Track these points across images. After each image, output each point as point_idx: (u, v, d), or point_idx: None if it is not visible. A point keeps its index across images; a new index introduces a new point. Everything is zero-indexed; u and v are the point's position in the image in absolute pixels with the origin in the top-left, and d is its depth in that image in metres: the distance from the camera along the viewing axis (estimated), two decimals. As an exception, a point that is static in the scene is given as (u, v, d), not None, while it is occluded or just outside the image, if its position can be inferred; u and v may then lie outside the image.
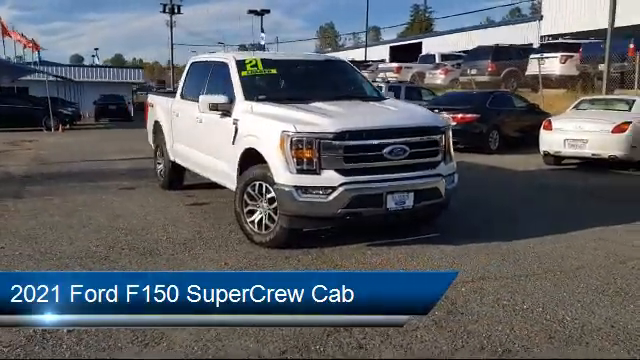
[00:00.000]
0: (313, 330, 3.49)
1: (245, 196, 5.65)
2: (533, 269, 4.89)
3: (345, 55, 39.14)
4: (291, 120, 5.27)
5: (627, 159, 10.28)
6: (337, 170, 5.07)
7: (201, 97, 6.13)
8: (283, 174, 5.14)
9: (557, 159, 11.27)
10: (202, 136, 6.85)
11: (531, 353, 3.37)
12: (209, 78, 6.94)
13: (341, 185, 5.03)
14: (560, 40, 21.30)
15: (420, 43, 47.78)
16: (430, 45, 44.68)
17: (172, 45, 52.48)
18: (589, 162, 10.92)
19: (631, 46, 16.06)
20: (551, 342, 3.51)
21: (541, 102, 16.48)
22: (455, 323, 3.75)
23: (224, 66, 6.62)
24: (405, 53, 42.55)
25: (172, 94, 9.09)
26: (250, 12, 39.34)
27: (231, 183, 6.14)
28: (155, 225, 6.45)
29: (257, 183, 5.54)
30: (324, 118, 5.26)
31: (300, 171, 5.09)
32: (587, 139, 10.38)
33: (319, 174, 5.07)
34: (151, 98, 9.27)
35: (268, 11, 39.40)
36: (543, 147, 11.21)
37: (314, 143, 5.04)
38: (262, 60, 6.54)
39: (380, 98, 6.64)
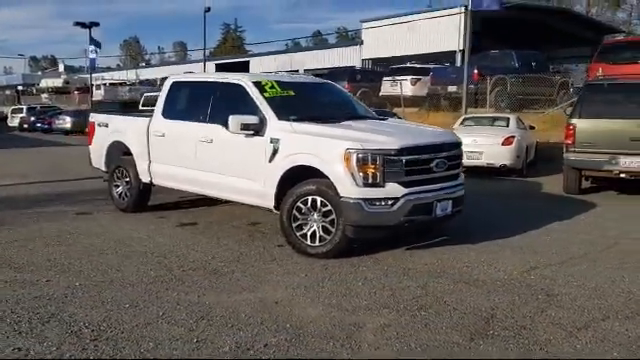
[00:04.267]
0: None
1: (295, 211, 5.97)
2: (559, 258, 6.00)
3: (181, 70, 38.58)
4: (351, 138, 5.75)
5: (513, 167, 12.29)
6: (399, 182, 5.68)
7: (232, 117, 6.26)
8: (350, 188, 5.60)
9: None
10: (211, 156, 6.88)
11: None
12: (213, 99, 7.02)
13: (403, 196, 5.66)
14: (409, 64, 23.82)
15: (247, 62, 49.01)
16: (256, 65, 46.19)
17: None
18: (475, 170, 12.72)
19: (475, 72, 18.78)
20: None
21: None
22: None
23: (236, 87, 6.80)
24: (231, 72, 43.25)
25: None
26: (77, 24, 36.62)
27: (264, 200, 6.38)
28: (176, 246, 6.38)
29: (310, 198, 5.90)
30: (383, 136, 5.84)
31: (366, 184, 5.60)
32: (482, 151, 12.17)
33: (384, 187, 5.64)
34: (104, 117, 8.78)
35: (97, 24, 37.09)
36: (442, 159, 12.77)
37: (378, 159, 5.59)
38: (277, 82, 6.86)
39: (383, 118, 7.39)
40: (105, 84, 47.37)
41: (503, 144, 12.18)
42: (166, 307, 4.49)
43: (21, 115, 35.09)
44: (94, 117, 9.03)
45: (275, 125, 6.27)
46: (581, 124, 9.36)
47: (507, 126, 13.01)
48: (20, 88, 54.02)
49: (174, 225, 7.47)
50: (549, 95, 19.39)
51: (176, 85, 7.71)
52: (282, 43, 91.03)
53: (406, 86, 21.59)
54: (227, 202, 7.55)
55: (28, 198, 9.45)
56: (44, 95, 49.55)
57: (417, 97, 21.53)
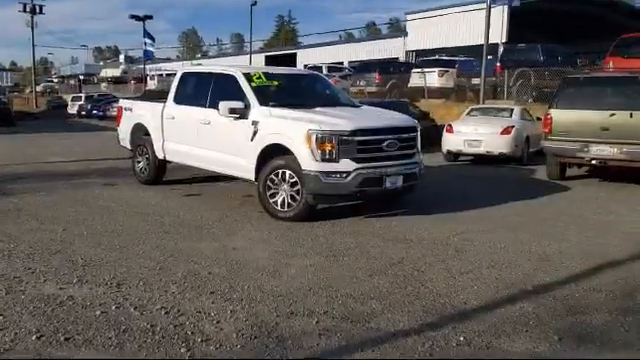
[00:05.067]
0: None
1: (268, 182, 7.14)
2: (492, 227, 6.93)
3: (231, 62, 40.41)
4: (314, 121, 6.87)
5: (512, 155, 13.04)
6: (352, 159, 6.76)
7: (222, 103, 7.47)
8: (310, 162, 6.72)
9: (456, 156, 13.80)
10: (209, 136, 8.12)
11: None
12: (212, 87, 8.25)
13: (355, 170, 6.73)
14: (437, 57, 24.54)
15: (295, 54, 50.42)
16: (304, 56, 47.51)
17: (34, 48, 50.17)
18: (480, 158, 13.54)
19: (498, 64, 19.39)
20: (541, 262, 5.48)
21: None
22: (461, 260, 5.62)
23: (230, 77, 8.01)
24: (280, 63, 44.75)
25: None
26: (132, 17, 39.00)
27: (246, 173, 7.58)
28: (176, 209, 7.66)
29: (280, 171, 7.06)
30: (340, 120, 6.93)
31: (324, 160, 6.70)
32: (482, 140, 12.98)
33: (338, 162, 6.73)
34: (129, 102, 10.24)
35: (151, 17, 39.32)
36: (446, 147, 13.69)
37: (334, 139, 6.68)
38: (264, 73, 8.03)
39: (358, 105, 8.46)
40: (161, 74, 49.82)
41: (502, 133, 12.94)
42: (146, 248, 5.76)
43: (79, 103, 37.72)
44: (121, 102, 10.47)
45: (257, 110, 7.44)
46: (557, 114, 10.09)
47: (510, 117, 13.73)
48: (82, 77, 57.28)
49: (181, 195, 8.78)
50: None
51: (185, 75, 9.01)
52: (335, 35, 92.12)
53: (433, 78, 22.35)
54: (231, 179, 8.77)
55: (67, 172, 11.00)
56: (103, 84, 52.48)
57: (444, 89, 22.26)
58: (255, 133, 7.34)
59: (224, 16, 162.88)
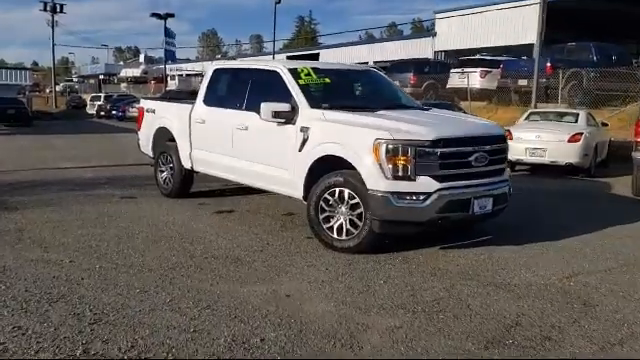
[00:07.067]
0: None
1: (322, 202, 5.74)
2: (608, 264, 5.46)
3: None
4: (383, 127, 5.45)
5: (580, 166, 11.49)
6: (432, 176, 5.32)
7: (264, 105, 6.10)
8: (378, 180, 5.31)
9: (512, 165, 12.26)
10: (246, 143, 6.77)
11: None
12: (250, 86, 6.89)
13: (437, 191, 5.30)
14: (479, 56, 22.97)
15: (317, 54, 49.03)
16: (327, 56, 46.08)
17: (53, 46, 49.46)
18: (540, 168, 12.00)
19: (548, 64, 17.80)
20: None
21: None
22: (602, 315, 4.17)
23: (272, 74, 6.63)
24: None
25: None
26: (153, 15, 37.96)
27: (292, 190, 6.20)
28: (207, 233, 6.32)
29: (337, 189, 5.65)
30: (416, 126, 5.50)
31: (396, 177, 5.28)
32: (546, 148, 11.45)
33: (414, 180, 5.30)
34: (151, 103, 8.90)
35: (172, 15, 38.24)
36: (504, 155, 12.14)
37: (410, 150, 5.26)
38: (314, 69, 6.64)
39: (426, 108, 7.02)
40: (181, 75, 48.86)
41: (569, 141, 11.41)
42: (175, 294, 4.39)
43: (99, 103, 36.77)
44: (143, 103, 9.15)
45: (307, 113, 6.06)
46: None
47: (576, 122, 12.19)
48: (102, 77, 56.55)
49: (211, 212, 7.43)
50: (632, 91, 18.05)
51: (218, 72, 7.65)
52: (355, 35, 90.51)
53: (474, 78, 20.84)
54: (267, 192, 7.43)
55: (81, 181, 9.74)
56: (123, 84, 51.65)
57: (486, 90, 20.74)
58: (305, 141, 5.96)
59: (244, 17, 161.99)
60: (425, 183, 5.30)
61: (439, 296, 4.48)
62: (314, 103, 6.13)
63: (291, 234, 6.34)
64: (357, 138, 5.51)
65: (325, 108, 6.04)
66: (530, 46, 29.66)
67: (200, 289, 4.51)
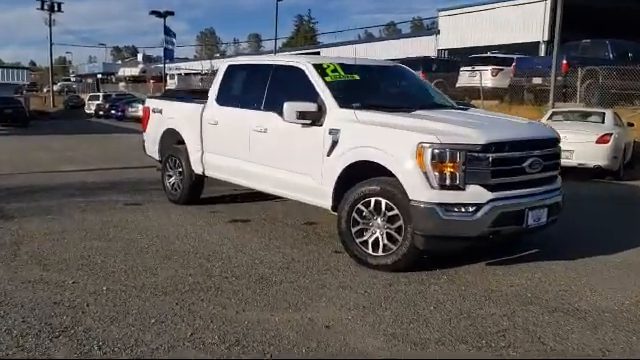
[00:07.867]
0: None
1: (355, 214, 5.12)
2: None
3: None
4: (426, 130, 4.83)
5: (609, 168, 10.88)
6: (483, 185, 4.70)
7: (287, 104, 5.46)
8: (422, 190, 4.68)
9: (535, 168, 11.64)
10: (266, 147, 6.15)
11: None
12: (269, 84, 6.26)
13: (489, 202, 4.68)
14: (490, 53, 22.34)
15: (318, 52, 48.36)
16: (328, 55, 45.35)
17: (51, 46, 48.77)
18: (566, 171, 11.36)
19: (564, 62, 17.17)
20: None
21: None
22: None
23: (295, 71, 6.00)
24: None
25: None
26: (152, 13, 37.21)
27: (319, 199, 5.59)
28: (224, 246, 5.70)
29: (373, 199, 5.03)
30: (464, 128, 4.88)
31: (443, 186, 4.66)
32: (573, 150, 10.78)
33: (464, 189, 4.68)
34: (158, 103, 8.25)
35: (172, 13, 37.50)
36: (527, 157, 11.52)
37: (459, 156, 4.63)
38: (341, 65, 6.01)
39: (464, 107, 6.41)
40: (180, 74, 48.18)
41: (598, 142, 10.79)
42: (197, 325, 3.77)
43: (97, 102, 36.08)
44: (149, 102, 8.51)
45: (336, 114, 5.43)
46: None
47: (602, 122, 11.56)
48: (100, 76, 55.88)
49: (225, 221, 6.80)
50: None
51: (232, 69, 7.01)
52: (355, 34, 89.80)
53: (486, 77, 20.19)
54: (282, 197, 6.82)
55: (82, 185, 9.10)
56: (121, 83, 51.02)
57: (497, 89, 20.08)
58: (334, 145, 5.33)
59: (242, 17, 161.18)
60: (476, 193, 4.68)
61: (502, 326, 3.86)
62: (344, 102, 5.49)
63: (316, 247, 5.72)
64: (397, 142, 4.88)
65: (356, 108, 5.40)
66: (536, 44, 29.20)
67: (225, 318, 3.89)
